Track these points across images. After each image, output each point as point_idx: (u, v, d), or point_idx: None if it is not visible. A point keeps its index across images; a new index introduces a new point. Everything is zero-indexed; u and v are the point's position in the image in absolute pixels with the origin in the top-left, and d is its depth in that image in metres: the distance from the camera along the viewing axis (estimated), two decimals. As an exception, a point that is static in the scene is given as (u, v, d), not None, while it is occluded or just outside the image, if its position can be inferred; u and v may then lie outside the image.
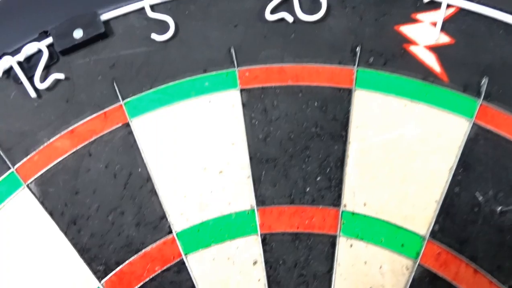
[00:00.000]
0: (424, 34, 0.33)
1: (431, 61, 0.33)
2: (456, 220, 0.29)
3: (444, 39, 0.33)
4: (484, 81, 0.32)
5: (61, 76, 0.34)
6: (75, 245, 0.30)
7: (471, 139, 0.30)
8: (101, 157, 0.32)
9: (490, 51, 0.33)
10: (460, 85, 0.32)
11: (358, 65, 0.33)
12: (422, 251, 0.28)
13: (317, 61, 0.34)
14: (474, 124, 0.31)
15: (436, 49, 0.33)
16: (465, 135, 0.30)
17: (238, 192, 0.31)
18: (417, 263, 0.28)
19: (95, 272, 0.30)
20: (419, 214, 0.29)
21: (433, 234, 0.29)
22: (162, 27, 0.35)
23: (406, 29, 0.34)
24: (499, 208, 0.29)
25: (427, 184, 0.30)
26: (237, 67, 0.34)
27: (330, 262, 0.29)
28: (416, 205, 0.29)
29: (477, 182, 0.29)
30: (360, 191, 0.30)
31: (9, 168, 0.32)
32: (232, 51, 0.34)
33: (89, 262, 0.30)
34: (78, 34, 0.35)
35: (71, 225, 0.31)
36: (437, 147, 0.30)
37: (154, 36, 0.35)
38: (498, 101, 0.31)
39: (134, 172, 0.32)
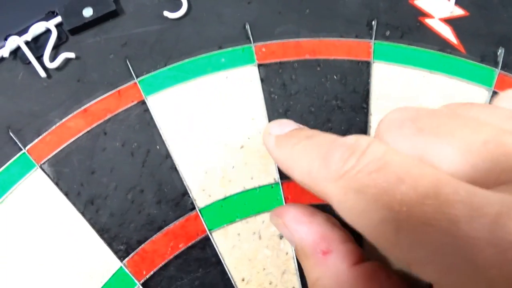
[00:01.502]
0: (439, 7, 0.34)
1: (447, 33, 0.33)
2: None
3: (458, 11, 0.34)
4: (501, 51, 0.32)
5: (71, 55, 0.33)
6: (93, 225, 0.29)
7: (492, 107, 0.30)
8: (117, 135, 0.31)
9: (504, 22, 0.33)
10: (477, 55, 0.32)
11: (375, 38, 0.33)
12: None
13: (333, 35, 0.34)
14: (494, 93, 0.31)
15: (451, 22, 0.33)
16: (486, 103, 0.31)
17: (261, 167, 0.30)
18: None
19: (116, 252, 0.29)
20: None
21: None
22: (173, 4, 0.34)
23: (421, 3, 0.34)
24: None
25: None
26: (253, 42, 0.33)
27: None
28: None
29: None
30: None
31: (20, 149, 0.31)
32: (247, 27, 0.34)
33: (110, 242, 0.29)
34: (87, 12, 0.35)
35: (89, 205, 0.30)
36: (459, 116, 0.30)
37: (166, 13, 0.34)
38: (515, 70, 0.32)
39: (152, 149, 0.31)
